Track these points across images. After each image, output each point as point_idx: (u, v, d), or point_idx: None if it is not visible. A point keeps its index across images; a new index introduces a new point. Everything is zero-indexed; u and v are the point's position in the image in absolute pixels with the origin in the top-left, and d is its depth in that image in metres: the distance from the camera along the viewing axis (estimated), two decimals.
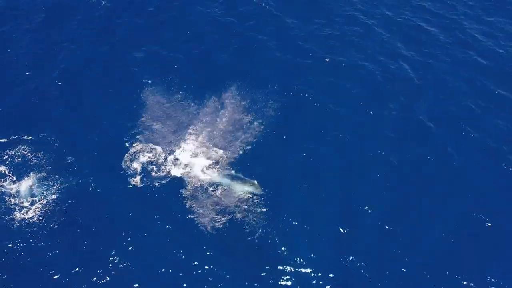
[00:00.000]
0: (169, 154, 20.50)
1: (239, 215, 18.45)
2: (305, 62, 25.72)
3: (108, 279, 16.68)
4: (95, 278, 16.67)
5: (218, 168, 20.06)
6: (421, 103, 23.85)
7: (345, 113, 22.97)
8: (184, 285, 16.73)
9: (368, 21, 28.81)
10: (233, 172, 19.89)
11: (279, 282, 16.86)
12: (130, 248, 17.57)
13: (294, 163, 20.65)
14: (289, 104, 23.20)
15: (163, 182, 19.51)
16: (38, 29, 26.91)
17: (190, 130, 21.49)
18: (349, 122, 22.56)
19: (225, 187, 19.31)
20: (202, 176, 19.71)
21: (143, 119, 22.03)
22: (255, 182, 19.46)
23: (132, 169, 19.86)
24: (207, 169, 19.94)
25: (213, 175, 19.74)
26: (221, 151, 20.66)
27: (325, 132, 22.06)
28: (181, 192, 19.19)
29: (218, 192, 19.19)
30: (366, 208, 19.07)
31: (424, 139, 22.07)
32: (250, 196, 19.09)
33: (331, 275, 17.07)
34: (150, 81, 23.90)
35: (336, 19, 28.96)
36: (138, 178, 19.53)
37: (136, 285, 16.72)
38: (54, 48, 25.83)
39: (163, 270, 17.05)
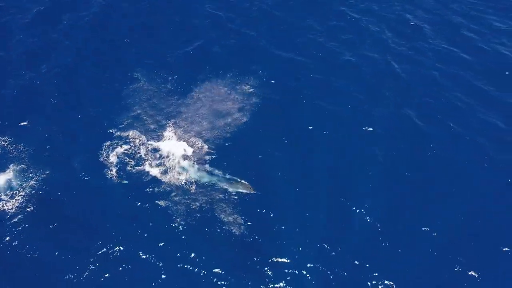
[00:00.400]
0: (150, 145, 20.41)
1: (210, 208, 18.33)
2: (296, 59, 25.67)
3: (92, 267, 16.50)
4: (77, 267, 16.51)
5: (197, 161, 19.90)
6: (410, 100, 23.75)
7: (332, 109, 22.90)
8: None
9: (358, 17, 28.74)
10: (208, 166, 19.72)
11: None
12: (113, 239, 17.37)
13: (278, 157, 20.50)
14: (277, 99, 23.15)
15: (142, 174, 19.37)
16: (33, 23, 26.96)
17: (172, 122, 21.46)
18: (337, 117, 22.46)
19: (203, 182, 19.12)
20: (179, 169, 19.59)
21: (128, 111, 21.98)
22: (246, 182, 19.21)
23: (110, 160, 19.76)
24: (184, 160, 19.83)
25: (191, 169, 19.56)
26: (204, 145, 20.55)
27: (313, 127, 21.96)
28: (159, 184, 19.02)
29: (193, 186, 18.99)
30: (356, 205, 18.83)
31: (415, 135, 21.93)
32: (230, 192, 18.91)
33: (320, 269, 16.88)
34: (139, 74, 23.99)
35: (328, 15, 28.97)
36: (114, 171, 19.41)
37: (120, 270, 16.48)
38: (48, 43, 25.81)
39: (146, 261, 16.89)
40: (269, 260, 17.04)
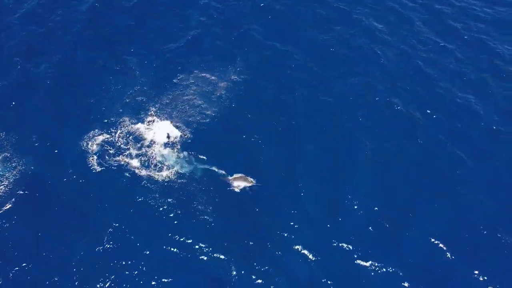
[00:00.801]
0: (136, 132, 20.38)
1: (189, 198, 18.37)
2: (284, 49, 25.47)
3: (78, 257, 16.49)
4: (58, 257, 16.48)
5: (180, 149, 19.90)
6: (398, 89, 23.68)
7: (324, 99, 22.81)
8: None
9: (348, 9, 28.58)
10: (187, 154, 19.71)
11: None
12: (96, 229, 17.36)
13: (264, 145, 20.51)
14: (264, 87, 23.13)
15: (124, 161, 19.32)
16: (29, 14, 26.56)
17: (161, 110, 21.47)
18: (326, 105, 22.44)
19: (184, 171, 19.09)
20: (159, 157, 19.56)
21: (119, 98, 21.92)
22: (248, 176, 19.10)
23: (94, 148, 19.70)
24: (165, 148, 19.84)
25: (170, 157, 19.52)
26: (186, 132, 20.49)
27: (302, 116, 21.91)
28: (138, 173, 19.00)
29: (169, 172, 19.01)
30: (349, 197, 18.86)
31: (405, 125, 21.92)
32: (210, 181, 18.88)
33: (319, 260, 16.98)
34: (132, 63, 23.88)
35: (319, 7, 28.64)
36: (97, 158, 19.34)
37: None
38: (43, 32, 25.51)
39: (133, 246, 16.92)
40: (257, 246, 17.14)
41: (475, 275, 16.72)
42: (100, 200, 18.13)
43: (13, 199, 17.83)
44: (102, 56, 24.24)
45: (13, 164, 18.92)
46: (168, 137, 20.19)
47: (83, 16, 26.50)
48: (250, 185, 18.81)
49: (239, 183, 18.81)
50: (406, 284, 16.39)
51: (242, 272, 16.49)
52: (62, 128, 20.61)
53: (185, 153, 19.65)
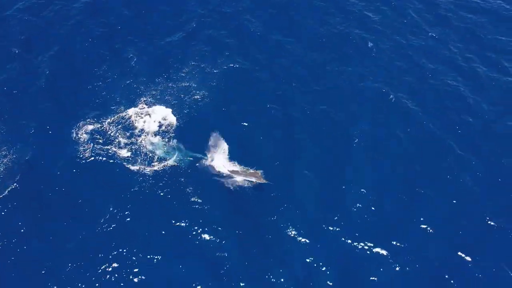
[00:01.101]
0: (131, 120, 20.46)
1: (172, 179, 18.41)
2: (278, 38, 25.52)
3: (76, 241, 16.52)
4: (47, 243, 16.47)
5: (170, 137, 19.97)
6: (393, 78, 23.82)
7: (319, 89, 22.84)
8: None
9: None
10: (180, 145, 19.67)
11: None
12: (92, 215, 17.30)
13: (254, 133, 20.54)
14: (257, 76, 23.17)
15: (111, 151, 19.28)
16: (29, 4, 26.58)
17: (156, 98, 21.58)
18: (321, 93, 22.53)
19: (174, 160, 19.07)
20: (150, 146, 19.57)
21: (116, 88, 21.97)
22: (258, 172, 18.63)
23: (85, 136, 19.68)
24: (154, 137, 19.85)
25: (160, 145, 19.55)
26: (181, 119, 20.52)
27: (295, 104, 21.99)
28: (129, 159, 19.05)
29: (162, 160, 19.04)
30: (343, 184, 18.91)
31: (398, 112, 22.04)
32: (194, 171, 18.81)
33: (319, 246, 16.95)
34: (131, 54, 23.93)
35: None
36: (88, 146, 19.30)
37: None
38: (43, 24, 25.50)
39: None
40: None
41: (464, 259, 16.82)
42: (96, 186, 18.07)
43: (6, 185, 17.77)
44: (100, 47, 24.22)
45: (3, 153, 18.77)
46: (160, 125, 20.16)
47: (82, 7, 26.44)
48: (259, 181, 18.12)
49: (246, 178, 18.21)
50: (397, 268, 16.48)
51: (238, 253, 16.55)
52: (58, 117, 20.53)
53: (175, 141, 19.62)
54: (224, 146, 18.98)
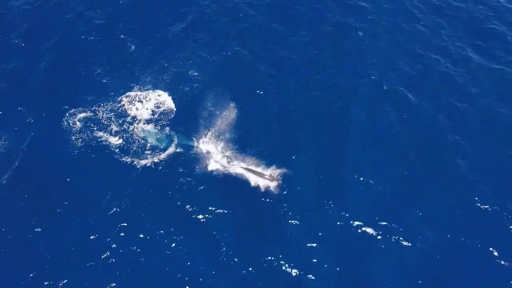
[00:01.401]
0: (130, 106, 20.53)
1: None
2: (278, 29, 25.56)
3: (59, 232, 16.44)
4: (40, 230, 16.47)
5: (165, 123, 20.06)
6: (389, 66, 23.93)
7: (319, 77, 22.92)
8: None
9: None
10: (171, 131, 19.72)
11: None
12: (80, 204, 17.30)
13: (247, 119, 20.55)
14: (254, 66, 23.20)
15: (103, 139, 19.24)
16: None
17: (156, 85, 21.75)
18: (315, 84, 22.52)
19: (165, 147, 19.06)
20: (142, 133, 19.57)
21: (117, 75, 22.07)
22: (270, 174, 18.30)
23: (77, 125, 19.69)
24: (147, 125, 19.88)
25: (153, 132, 19.55)
26: (179, 106, 20.49)
27: (292, 94, 22.03)
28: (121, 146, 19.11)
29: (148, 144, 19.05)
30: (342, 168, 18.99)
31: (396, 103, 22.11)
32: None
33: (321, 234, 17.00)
34: (132, 44, 24.05)
35: None
36: (79, 135, 19.30)
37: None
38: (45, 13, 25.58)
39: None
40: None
41: (466, 244, 16.96)
42: (93, 172, 18.12)
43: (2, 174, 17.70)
44: (100, 36, 24.28)
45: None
46: (158, 106, 20.31)
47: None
48: (270, 183, 17.65)
49: (253, 177, 17.82)
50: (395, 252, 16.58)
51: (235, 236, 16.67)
52: (56, 105, 20.52)
53: (167, 128, 19.64)
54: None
